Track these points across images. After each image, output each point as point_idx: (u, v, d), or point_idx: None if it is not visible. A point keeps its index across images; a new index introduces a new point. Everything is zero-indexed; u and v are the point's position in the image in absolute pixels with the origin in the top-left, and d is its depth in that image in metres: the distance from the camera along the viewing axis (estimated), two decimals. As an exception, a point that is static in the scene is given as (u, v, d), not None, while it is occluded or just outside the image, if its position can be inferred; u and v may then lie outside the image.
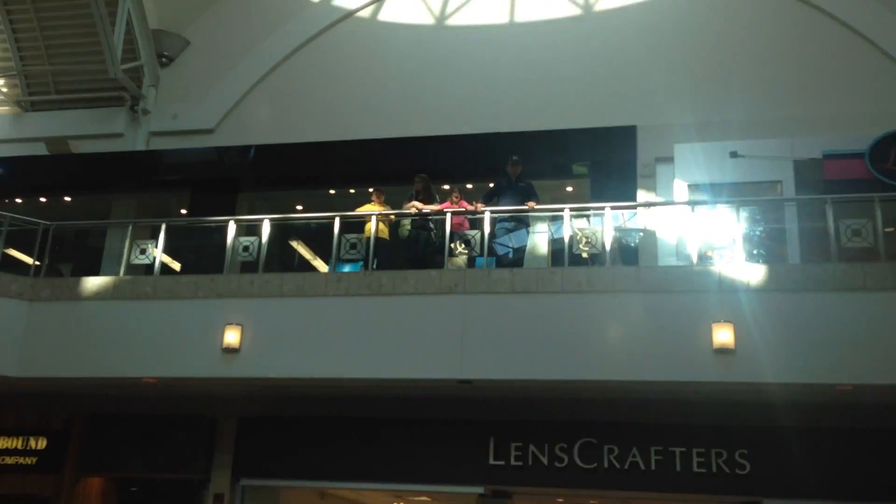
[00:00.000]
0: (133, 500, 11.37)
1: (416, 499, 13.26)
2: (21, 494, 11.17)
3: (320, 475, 10.54)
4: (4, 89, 14.90)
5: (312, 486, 11.39)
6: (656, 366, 8.68)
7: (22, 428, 11.34)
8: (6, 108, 15.12)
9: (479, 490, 10.06)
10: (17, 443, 11.26)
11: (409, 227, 11.28)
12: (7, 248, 11.08)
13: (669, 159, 12.02)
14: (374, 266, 10.29)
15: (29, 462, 11.15)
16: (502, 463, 9.88)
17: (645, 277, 9.14)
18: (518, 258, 10.79)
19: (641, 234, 11.05)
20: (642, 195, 11.95)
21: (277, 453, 10.57)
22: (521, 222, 10.98)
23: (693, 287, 8.86)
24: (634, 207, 11.29)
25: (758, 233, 10.98)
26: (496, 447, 9.94)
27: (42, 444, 11.21)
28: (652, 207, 11.50)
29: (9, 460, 11.20)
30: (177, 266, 12.16)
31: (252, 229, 11.02)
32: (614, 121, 12.49)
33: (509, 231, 10.88)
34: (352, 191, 13.61)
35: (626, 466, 9.57)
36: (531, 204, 10.69)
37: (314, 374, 9.54)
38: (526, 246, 11.01)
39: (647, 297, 8.98)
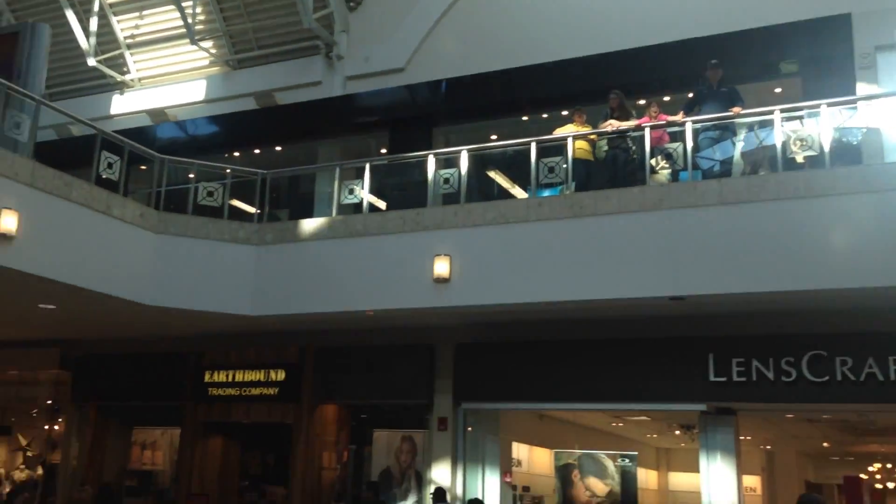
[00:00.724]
0: (364, 425, 12.23)
1: (634, 418, 13.28)
2: (268, 422, 12.36)
3: (538, 397, 10.81)
4: (213, 50, 15.95)
5: (530, 408, 11.71)
6: (890, 269, 8.08)
7: (262, 362, 12.44)
8: (217, 68, 16.22)
9: (701, 407, 9.94)
10: (259, 375, 12.38)
11: (605, 147, 11.02)
12: (231, 198, 11.97)
13: (893, 46, 10.89)
14: (574, 188, 10.20)
15: (272, 393, 12.25)
16: (724, 379, 9.64)
17: (872, 176, 8.46)
18: (725, 170, 10.23)
19: (864, 130, 10.13)
20: (862, 89, 10.92)
21: (495, 377, 10.91)
22: (727, 130, 10.40)
23: (931, 182, 8.10)
24: (854, 102, 10.33)
25: None
26: (716, 364, 9.71)
27: (281, 376, 12.24)
28: (874, 101, 10.50)
29: (254, 391, 12.37)
30: (381, 205, 12.66)
31: (450, 162, 11.22)
32: (824, 10, 11.39)
33: (714, 141, 10.34)
34: (544, 115, 13.44)
35: (861, 378, 9.04)
36: (736, 109, 10.13)
37: (522, 300, 9.72)
38: (733, 157, 10.40)
39: (876, 196, 8.35)
